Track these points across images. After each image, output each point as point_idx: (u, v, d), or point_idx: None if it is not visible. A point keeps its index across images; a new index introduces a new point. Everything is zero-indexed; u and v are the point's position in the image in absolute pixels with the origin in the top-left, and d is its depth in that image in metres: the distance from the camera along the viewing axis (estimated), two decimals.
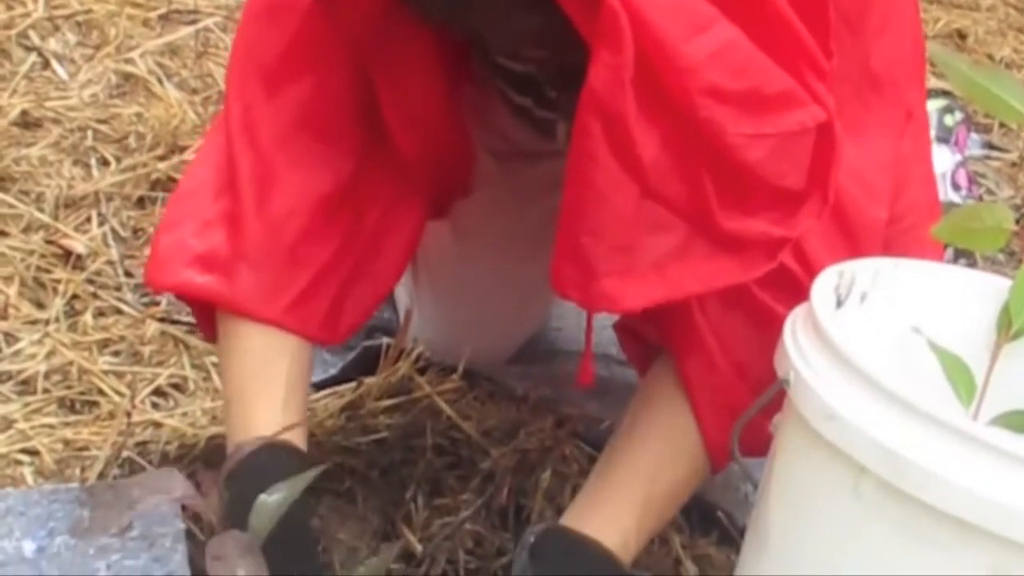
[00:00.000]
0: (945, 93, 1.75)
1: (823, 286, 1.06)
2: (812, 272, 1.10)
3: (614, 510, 1.20)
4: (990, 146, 2.06)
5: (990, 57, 2.42)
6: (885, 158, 1.22)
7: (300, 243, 1.22)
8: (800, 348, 1.01)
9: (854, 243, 1.18)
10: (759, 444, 1.11)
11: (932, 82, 2.09)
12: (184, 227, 1.24)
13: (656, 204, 1.07)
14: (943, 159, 1.66)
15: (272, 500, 0.98)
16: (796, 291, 1.10)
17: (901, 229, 1.26)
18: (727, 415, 1.16)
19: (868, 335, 1.08)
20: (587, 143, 1.05)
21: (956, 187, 1.65)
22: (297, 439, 1.21)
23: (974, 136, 1.99)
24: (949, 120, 1.72)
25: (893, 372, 0.95)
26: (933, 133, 1.66)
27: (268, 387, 1.22)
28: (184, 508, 1.20)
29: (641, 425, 1.24)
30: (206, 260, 1.22)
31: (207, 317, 1.29)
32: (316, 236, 1.23)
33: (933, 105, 1.72)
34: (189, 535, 1.24)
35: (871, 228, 1.21)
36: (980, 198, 1.86)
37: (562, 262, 1.12)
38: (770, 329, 1.10)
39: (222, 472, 1.04)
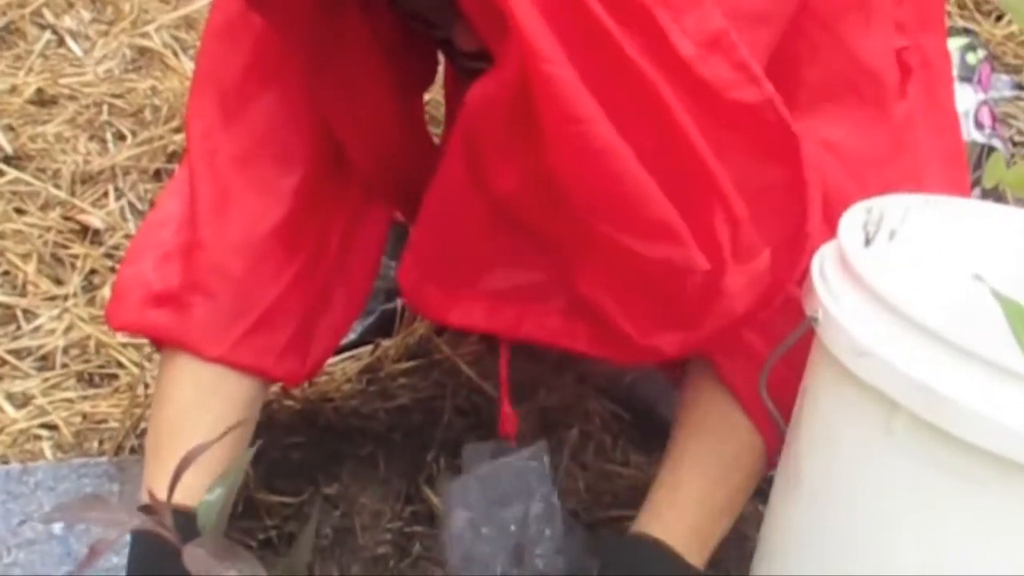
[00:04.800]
0: (967, 31, 1.70)
1: (851, 223, 1.04)
2: None
3: (683, 519, 1.16)
4: (1020, 87, 2.01)
5: None
6: (883, 152, 1.19)
7: (255, 270, 1.17)
8: (828, 285, 0.99)
9: None
10: None
11: (953, 20, 2.05)
12: (144, 260, 1.20)
13: (522, 240, 1.07)
14: (966, 98, 1.61)
15: (214, 498, 0.95)
16: None
17: None
18: (784, 413, 1.13)
19: (898, 272, 1.05)
20: (450, 150, 1.06)
21: (979, 126, 1.60)
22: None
23: (1004, 77, 1.94)
24: (972, 58, 1.67)
25: (925, 308, 0.92)
26: (955, 72, 1.62)
27: (184, 445, 1.09)
28: None
29: (694, 431, 1.20)
30: (161, 295, 1.18)
31: None
32: (274, 262, 1.18)
33: (955, 43, 1.67)
34: None
35: None
36: (1011, 139, 1.82)
37: (406, 254, 1.13)
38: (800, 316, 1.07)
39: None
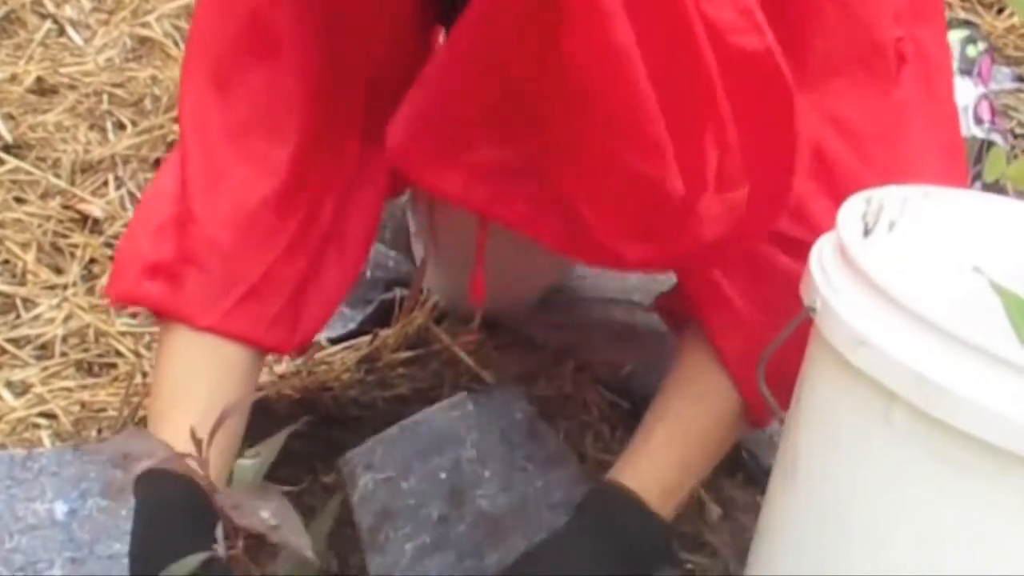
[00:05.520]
0: (967, 23, 1.70)
1: (850, 213, 1.03)
2: None
3: (655, 470, 1.19)
4: (1021, 79, 2.01)
5: None
6: (890, 127, 1.19)
7: (246, 241, 1.18)
8: (827, 275, 0.99)
9: None
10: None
11: (954, 12, 2.05)
12: (140, 234, 1.21)
13: (516, 121, 1.08)
14: (965, 92, 1.61)
15: (250, 464, 0.97)
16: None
17: None
18: (774, 383, 1.13)
19: (897, 263, 1.05)
20: (465, 19, 1.05)
21: (979, 121, 1.59)
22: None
23: (1005, 69, 1.93)
24: (972, 51, 1.66)
25: (924, 299, 0.92)
26: (955, 65, 1.61)
27: (183, 413, 1.12)
28: None
29: (678, 387, 1.23)
30: (155, 266, 1.18)
31: None
32: (265, 232, 1.19)
33: (955, 36, 1.66)
34: None
35: None
36: (1010, 132, 1.82)
37: (399, 110, 1.12)
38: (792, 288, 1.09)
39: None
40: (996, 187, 1.57)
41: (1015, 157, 1.78)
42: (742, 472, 1.35)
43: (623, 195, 1.06)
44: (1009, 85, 1.90)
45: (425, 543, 1.24)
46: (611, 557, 1.17)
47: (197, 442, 0.98)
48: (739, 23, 0.98)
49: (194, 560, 0.96)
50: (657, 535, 1.19)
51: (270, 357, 1.34)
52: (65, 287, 1.61)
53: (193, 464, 0.97)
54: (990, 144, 1.60)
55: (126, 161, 1.80)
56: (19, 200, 1.72)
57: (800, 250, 1.07)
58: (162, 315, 1.21)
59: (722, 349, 1.18)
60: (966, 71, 1.63)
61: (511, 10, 1.02)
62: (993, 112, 1.62)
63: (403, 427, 1.29)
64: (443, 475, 1.27)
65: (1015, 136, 1.88)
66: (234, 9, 1.18)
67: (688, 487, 1.21)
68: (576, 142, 1.05)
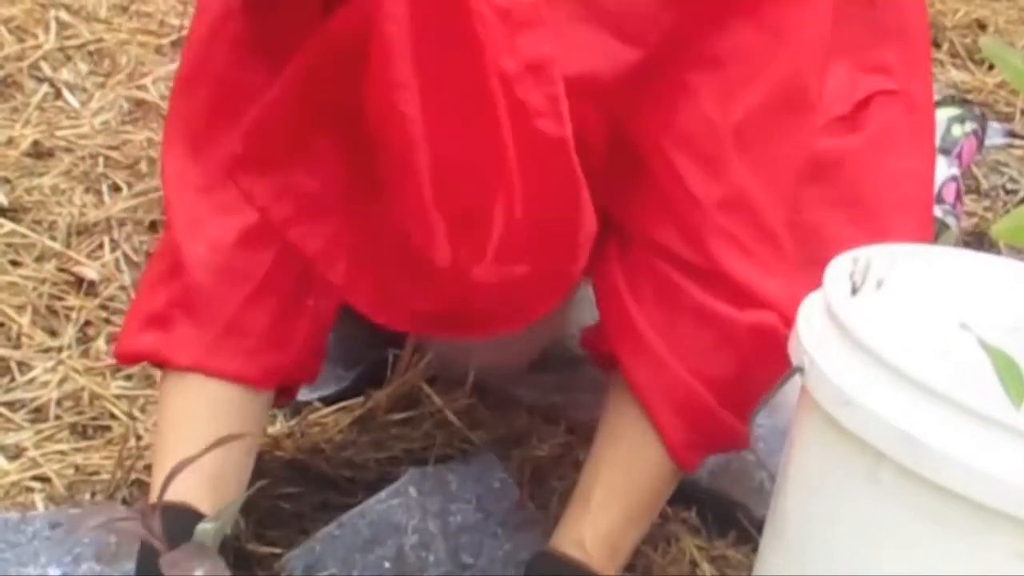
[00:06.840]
0: (964, 102, 1.71)
1: (837, 272, 1.04)
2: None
3: (598, 534, 1.19)
4: (1012, 134, 2.03)
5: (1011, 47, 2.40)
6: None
7: (223, 278, 1.19)
8: (814, 334, 0.99)
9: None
10: (727, 440, 1.19)
11: (946, 69, 2.07)
12: (142, 290, 1.25)
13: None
14: (938, 171, 1.62)
15: (210, 527, 0.98)
16: (734, 291, 1.15)
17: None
18: (684, 414, 1.17)
19: (885, 321, 1.05)
20: None
21: (940, 201, 1.59)
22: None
23: (996, 125, 1.95)
24: (957, 131, 1.67)
25: (911, 357, 0.92)
26: (937, 143, 1.63)
27: (175, 457, 1.13)
28: None
29: (607, 441, 1.23)
30: (150, 318, 1.21)
31: None
32: (240, 268, 1.20)
33: (943, 114, 1.68)
34: None
35: None
36: (1002, 187, 1.83)
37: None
38: (716, 328, 1.15)
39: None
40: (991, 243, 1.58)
41: (1007, 212, 1.79)
42: (734, 531, 1.35)
43: (393, 252, 1.11)
44: (1000, 140, 1.92)
45: None
46: None
47: (153, 506, 1.00)
48: (545, 108, 1.03)
49: None
50: None
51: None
52: (60, 350, 1.60)
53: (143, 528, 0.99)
54: (944, 226, 1.61)
55: (121, 224, 1.81)
56: (14, 263, 1.73)
57: (710, 281, 1.14)
58: (156, 363, 1.23)
59: (648, 406, 1.19)
60: (945, 150, 1.64)
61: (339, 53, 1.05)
62: (957, 196, 1.63)
63: (341, 523, 1.30)
64: (387, 564, 1.28)
65: (1006, 192, 1.89)
66: (199, 90, 1.21)
67: (634, 538, 1.22)
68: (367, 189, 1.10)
